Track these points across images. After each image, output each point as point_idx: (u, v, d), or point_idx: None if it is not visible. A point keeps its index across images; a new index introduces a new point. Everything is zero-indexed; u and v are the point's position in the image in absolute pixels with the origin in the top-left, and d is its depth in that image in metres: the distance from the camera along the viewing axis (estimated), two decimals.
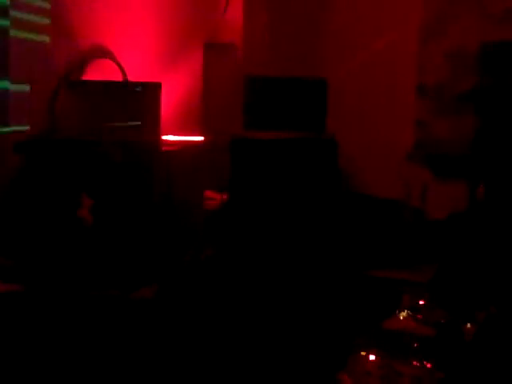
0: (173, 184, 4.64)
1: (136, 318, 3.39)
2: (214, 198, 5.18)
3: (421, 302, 3.63)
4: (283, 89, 5.12)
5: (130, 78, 5.14)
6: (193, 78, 5.85)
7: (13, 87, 4.28)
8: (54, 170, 4.22)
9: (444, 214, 5.07)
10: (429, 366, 3.05)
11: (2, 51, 4.20)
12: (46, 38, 4.60)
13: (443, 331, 3.34)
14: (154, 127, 4.78)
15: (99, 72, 4.98)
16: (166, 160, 4.67)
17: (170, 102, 5.26)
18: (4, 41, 4.23)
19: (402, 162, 5.97)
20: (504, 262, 4.17)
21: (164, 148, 4.79)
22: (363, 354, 3.10)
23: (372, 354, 3.09)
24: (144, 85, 4.87)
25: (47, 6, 4.58)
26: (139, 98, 4.78)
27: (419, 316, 3.50)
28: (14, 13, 4.28)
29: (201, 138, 5.20)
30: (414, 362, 3.08)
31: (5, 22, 4.22)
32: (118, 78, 5.11)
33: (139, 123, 4.68)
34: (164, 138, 4.93)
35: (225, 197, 4.98)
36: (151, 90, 4.84)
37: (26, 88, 4.40)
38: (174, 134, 5.12)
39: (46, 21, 4.59)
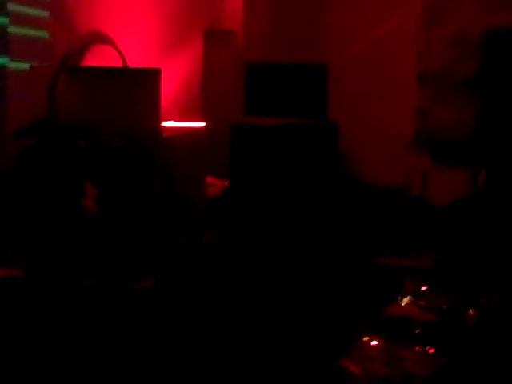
0: (173, 170, 4.62)
1: (135, 309, 3.38)
2: (215, 184, 5.17)
3: (423, 288, 3.63)
4: (284, 75, 5.09)
5: (130, 64, 5.11)
6: (193, 65, 5.83)
7: (12, 65, 4.24)
8: (54, 158, 4.20)
9: (445, 201, 5.07)
10: (431, 351, 3.06)
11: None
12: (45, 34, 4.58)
13: (445, 317, 3.34)
14: (154, 114, 4.76)
15: (99, 58, 4.95)
16: (167, 146, 4.65)
17: (170, 89, 5.23)
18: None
19: (402, 149, 5.97)
20: (506, 248, 4.17)
21: (164, 134, 4.76)
22: (366, 339, 3.10)
23: (375, 339, 3.09)
24: (144, 71, 4.84)
25: None
26: (139, 85, 4.75)
27: (421, 302, 3.50)
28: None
29: (201, 124, 5.18)
30: (417, 348, 3.08)
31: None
32: (118, 64, 5.08)
33: (140, 108, 4.66)
34: (164, 124, 4.91)
35: (226, 183, 4.97)
36: (151, 77, 4.81)
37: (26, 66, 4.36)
38: (175, 121, 5.10)
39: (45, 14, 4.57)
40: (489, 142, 5.37)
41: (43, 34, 4.55)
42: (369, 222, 4.93)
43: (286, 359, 3.05)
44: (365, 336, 3.12)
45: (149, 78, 4.80)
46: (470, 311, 3.36)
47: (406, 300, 3.53)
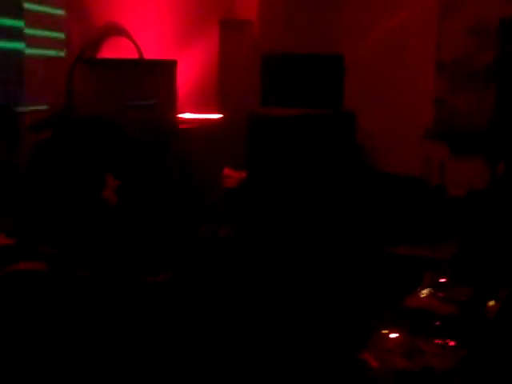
0: (190, 162, 4.62)
1: (151, 303, 3.37)
2: (232, 175, 5.16)
3: (442, 280, 3.61)
4: (300, 65, 5.07)
5: (146, 56, 5.11)
6: (209, 55, 5.81)
7: (29, 51, 4.24)
8: (74, 150, 4.20)
9: (464, 191, 5.03)
10: (451, 343, 3.04)
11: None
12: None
13: (465, 309, 3.32)
14: (171, 105, 4.76)
15: (115, 50, 4.95)
16: (183, 138, 4.65)
17: (186, 80, 5.22)
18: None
19: (421, 139, 5.94)
20: None
21: (181, 126, 4.76)
22: (385, 332, 3.09)
23: (394, 332, 3.08)
24: (160, 62, 4.83)
25: None
26: (155, 76, 4.74)
27: (441, 294, 3.48)
28: None
29: (218, 116, 5.17)
30: (436, 340, 3.06)
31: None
32: (134, 55, 5.08)
33: (156, 101, 4.66)
34: (181, 116, 4.90)
35: (243, 174, 4.96)
36: (167, 68, 4.81)
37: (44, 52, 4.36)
38: (191, 112, 5.09)
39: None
40: (507, 130, 5.33)
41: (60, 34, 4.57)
42: (387, 213, 4.90)
43: (305, 352, 3.04)
44: (384, 328, 3.10)
45: (165, 69, 4.79)
46: (491, 303, 3.33)
47: (425, 292, 3.51)
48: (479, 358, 2.95)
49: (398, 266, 3.97)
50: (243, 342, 3.12)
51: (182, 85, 4.96)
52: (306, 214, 4.49)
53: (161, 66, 4.79)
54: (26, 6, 4.23)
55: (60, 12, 4.56)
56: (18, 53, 4.20)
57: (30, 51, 4.27)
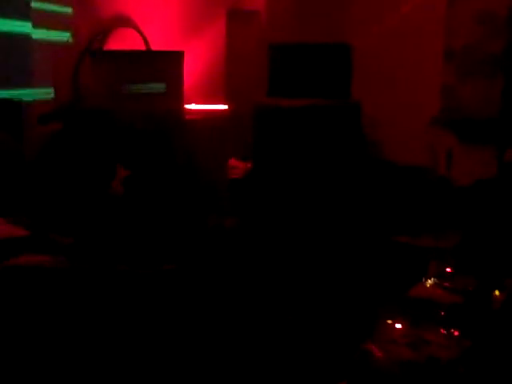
0: (196, 153, 4.62)
1: (158, 294, 3.38)
2: (238, 166, 5.16)
3: (448, 270, 3.59)
4: (307, 55, 5.05)
5: (153, 47, 5.11)
6: (216, 46, 5.80)
7: (36, 34, 4.25)
8: (83, 141, 4.21)
9: (470, 180, 5.01)
10: (456, 333, 3.03)
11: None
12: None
13: (471, 299, 3.31)
14: (178, 96, 4.76)
15: (122, 41, 4.95)
16: (190, 129, 4.65)
17: (193, 71, 5.22)
18: None
19: (427, 128, 5.91)
20: None
21: (187, 117, 4.76)
22: (390, 322, 3.08)
23: (398, 322, 3.07)
24: (167, 53, 4.83)
25: None
26: (162, 67, 4.74)
27: (446, 283, 3.47)
28: None
29: (224, 107, 5.17)
30: (441, 330, 3.05)
31: None
32: (141, 47, 5.08)
33: (163, 90, 4.66)
34: (187, 106, 4.90)
35: (249, 165, 4.96)
36: (174, 59, 4.80)
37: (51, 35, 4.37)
38: (198, 103, 5.09)
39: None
40: None
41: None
42: (393, 202, 4.89)
43: (309, 343, 3.05)
44: (388, 318, 3.10)
45: (172, 60, 4.79)
46: (496, 293, 3.32)
47: (430, 281, 3.50)
48: (485, 347, 2.95)
49: (402, 256, 3.96)
50: (248, 333, 3.13)
51: (188, 76, 4.96)
52: (311, 204, 4.49)
53: (168, 57, 4.79)
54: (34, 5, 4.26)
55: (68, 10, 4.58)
56: (24, 36, 4.21)
57: (36, 33, 4.26)
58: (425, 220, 4.73)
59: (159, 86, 4.69)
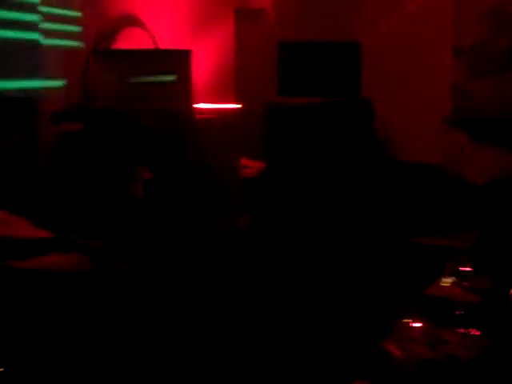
0: (207, 152, 4.60)
1: (172, 294, 3.36)
2: (249, 165, 5.14)
3: (465, 269, 3.58)
4: (316, 53, 5.04)
5: (161, 46, 5.09)
6: (225, 45, 5.79)
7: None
8: (92, 141, 4.18)
9: (484, 180, 4.99)
10: (474, 332, 3.01)
11: None
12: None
13: (488, 298, 3.29)
14: (187, 95, 4.73)
15: (130, 41, 4.94)
16: (200, 128, 4.63)
17: (202, 70, 5.20)
18: None
19: (439, 127, 5.88)
20: None
21: (198, 116, 4.74)
22: (408, 321, 3.07)
23: (417, 321, 3.06)
24: (175, 52, 4.81)
25: None
26: (171, 66, 4.72)
27: (464, 283, 3.45)
28: None
29: (235, 106, 5.14)
30: (460, 329, 3.03)
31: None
32: (149, 46, 5.06)
33: (172, 89, 4.63)
34: (197, 106, 4.88)
35: (260, 164, 4.94)
36: (182, 58, 4.78)
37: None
38: (208, 102, 5.07)
39: None
40: None
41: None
42: (406, 201, 4.87)
43: (327, 341, 3.04)
44: (406, 318, 3.08)
45: (180, 58, 4.77)
46: None
47: (447, 281, 3.48)
48: (503, 346, 2.93)
49: (419, 255, 3.95)
50: (263, 329, 3.12)
51: (198, 75, 4.94)
52: (325, 203, 4.47)
53: (176, 56, 4.77)
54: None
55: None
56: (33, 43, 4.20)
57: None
58: (440, 219, 4.71)
59: (168, 86, 4.66)
